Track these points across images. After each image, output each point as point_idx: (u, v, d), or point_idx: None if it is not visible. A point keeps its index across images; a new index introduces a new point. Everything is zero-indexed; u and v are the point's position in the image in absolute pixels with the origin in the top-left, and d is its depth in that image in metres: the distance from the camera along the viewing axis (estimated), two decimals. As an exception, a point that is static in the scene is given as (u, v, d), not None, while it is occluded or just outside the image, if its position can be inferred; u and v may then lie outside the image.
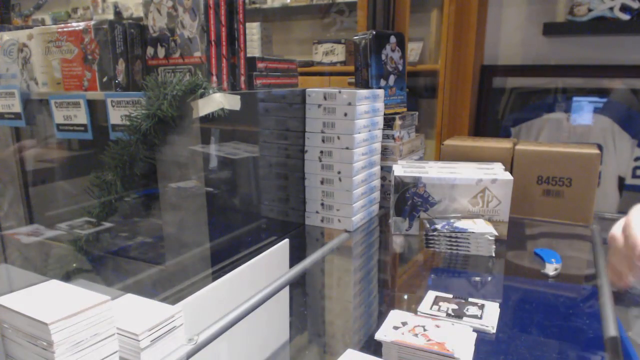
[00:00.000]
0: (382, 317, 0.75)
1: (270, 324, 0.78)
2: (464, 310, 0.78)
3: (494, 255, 1.03)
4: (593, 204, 1.21)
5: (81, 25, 0.94)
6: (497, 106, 2.10)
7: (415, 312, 0.77)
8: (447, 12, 1.93)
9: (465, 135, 1.82)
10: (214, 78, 0.91)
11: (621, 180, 1.89)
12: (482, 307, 0.79)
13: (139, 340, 0.53)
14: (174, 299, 0.75)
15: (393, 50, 1.33)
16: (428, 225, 1.09)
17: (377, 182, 1.28)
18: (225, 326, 0.67)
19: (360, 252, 1.14)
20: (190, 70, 0.91)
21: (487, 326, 0.74)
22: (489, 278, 0.98)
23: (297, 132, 1.17)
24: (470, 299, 0.82)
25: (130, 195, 0.91)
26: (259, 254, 0.77)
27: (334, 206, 1.18)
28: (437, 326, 0.70)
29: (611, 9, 1.74)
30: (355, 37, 1.30)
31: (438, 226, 1.07)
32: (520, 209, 1.26)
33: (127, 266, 0.96)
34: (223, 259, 0.96)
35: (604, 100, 1.92)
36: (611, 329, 0.73)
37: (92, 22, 0.93)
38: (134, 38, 0.95)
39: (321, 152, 1.16)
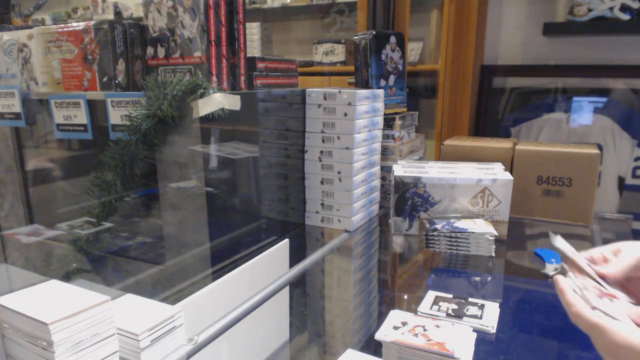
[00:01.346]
0: (382, 317, 0.75)
1: (270, 324, 0.78)
2: (464, 310, 0.78)
3: (494, 255, 1.03)
4: (593, 204, 1.21)
5: (81, 25, 0.94)
6: (497, 106, 2.09)
7: (415, 312, 0.77)
8: (447, 12, 1.93)
9: (465, 135, 1.81)
10: (214, 78, 0.91)
11: (621, 180, 1.89)
12: (482, 307, 0.79)
13: (139, 340, 0.53)
14: (174, 299, 0.75)
15: (393, 50, 1.33)
16: (428, 225, 1.09)
17: (377, 182, 1.28)
18: (225, 326, 0.67)
19: (360, 252, 1.14)
20: (190, 70, 0.91)
21: (487, 326, 0.74)
22: (489, 278, 0.98)
23: (297, 132, 1.17)
24: (470, 299, 0.82)
25: (130, 195, 0.91)
26: (259, 254, 0.77)
27: (334, 206, 1.18)
28: (437, 326, 0.70)
29: (611, 9, 1.74)
30: (355, 37, 1.30)
31: (438, 226, 1.07)
32: (520, 209, 1.26)
33: (127, 266, 0.96)
34: (223, 259, 0.96)
35: (604, 100, 1.92)
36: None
37: (92, 22, 0.93)
38: (134, 38, 0.95)
39: (321, 152, 1.16)
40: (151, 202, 0.95)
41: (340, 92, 1.12)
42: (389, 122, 1.28)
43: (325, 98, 1.13)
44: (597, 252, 0.66)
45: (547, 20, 1.91)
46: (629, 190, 1.88)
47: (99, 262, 0.94)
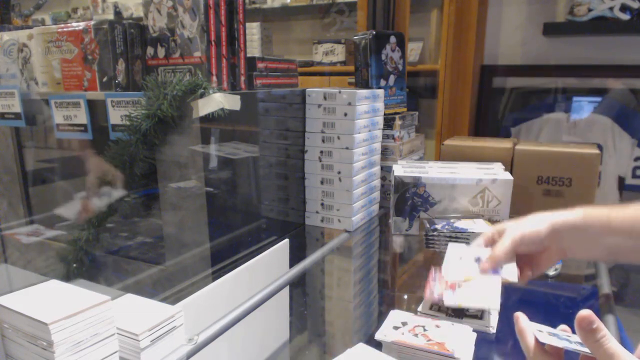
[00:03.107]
0: (382, 317, 0.75)
1: (270, 324, 0.78)
2: (464, 311, 0.78)
3: (494, 255, 1.03)
4: (593, 204, 1.21)
5: (81, 25, 0.94)
6: (497, 106, 2.09)
7: (415, 312, 0.77)
8: (447, 12, 1.93)
9: (465, 135, 1.82)
10: (214, 78, 0.91)
11: (621, 180, 1.89)
12: (482, 307, 0.79)
13: (139, 340, 0.53)
14: (174, 299, 0.75)
15: (393, 50, 1.33)
16: (428, 225, 1.09)
17: (377, 182, 1.28)
18: (225, 326, 0.67)
19: (360, 252, 1.14)
20: (190, 70, 0.91)
21: (487, 326, 0.74)
22: (489, 278, 0.98)
23: (297, 132, 1.17)
24: (470, 299, 0.82)
25: (130, 195, 0.91)
26: (259, 254, 0.77)
27: (334, 206, 1.18)
28: (437, 326, 0.70)
29: (611, 9, 1.74)
30: (355, 37, 1.30)
31: (438, 226, 1.07)
32: (520, 209, 1.25)
33: (127, 266, 0.96)
34: (223, 259, 0.96)
35: (604, 100, 1.92)
36: (611, 329, 0.73)
37: (92, 22, 0.93)
38: (134, 38, 0.95)
39: (321, 152, 1.16)
40: (151, 202, 0.95)
41: (340, 92, 1.12)
42: (389, 122, 1.28)
43: (325, 98, 1.13)
44: (489, 234, 0.74)
45: (547, 20, 1.91)
46: (629, 190, 1.88)
47: (99, 262, 0.94)
